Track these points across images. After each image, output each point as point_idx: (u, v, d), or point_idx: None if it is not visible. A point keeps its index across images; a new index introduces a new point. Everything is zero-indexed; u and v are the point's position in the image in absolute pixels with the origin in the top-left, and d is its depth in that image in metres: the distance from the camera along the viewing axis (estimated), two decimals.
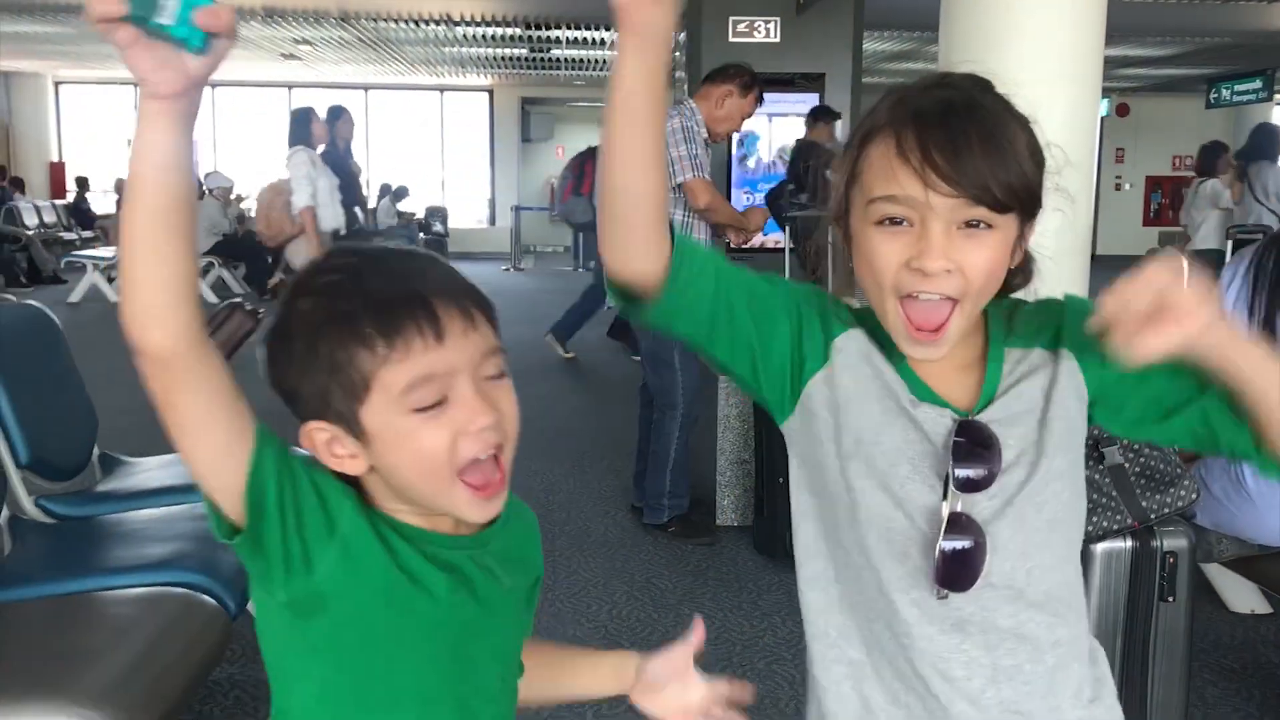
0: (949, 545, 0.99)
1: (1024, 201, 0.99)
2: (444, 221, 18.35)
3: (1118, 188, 18.51)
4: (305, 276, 0.98)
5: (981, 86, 1.03)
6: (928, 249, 0.98)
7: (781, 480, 3.76)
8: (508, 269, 17.88)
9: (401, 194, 17.53)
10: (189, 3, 0.79)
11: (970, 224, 0.98)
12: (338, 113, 6.48)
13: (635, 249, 1.01)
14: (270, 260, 12.90)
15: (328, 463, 0.96)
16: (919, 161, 0.96)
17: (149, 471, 3.11)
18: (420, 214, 18.04)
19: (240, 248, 12.76)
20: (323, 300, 0.94)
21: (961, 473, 1.00)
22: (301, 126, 6.24)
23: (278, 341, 0.96)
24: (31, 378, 2.82)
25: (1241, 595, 3.36)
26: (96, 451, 3.13)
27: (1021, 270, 1.08)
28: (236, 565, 2.45)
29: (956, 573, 1.00)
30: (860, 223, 1.03)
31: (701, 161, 4.06)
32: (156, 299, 0.83)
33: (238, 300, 7.91)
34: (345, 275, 0.95)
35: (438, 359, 0.92)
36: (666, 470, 4.09)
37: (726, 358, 1.07)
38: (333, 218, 6.26)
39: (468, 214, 20.32)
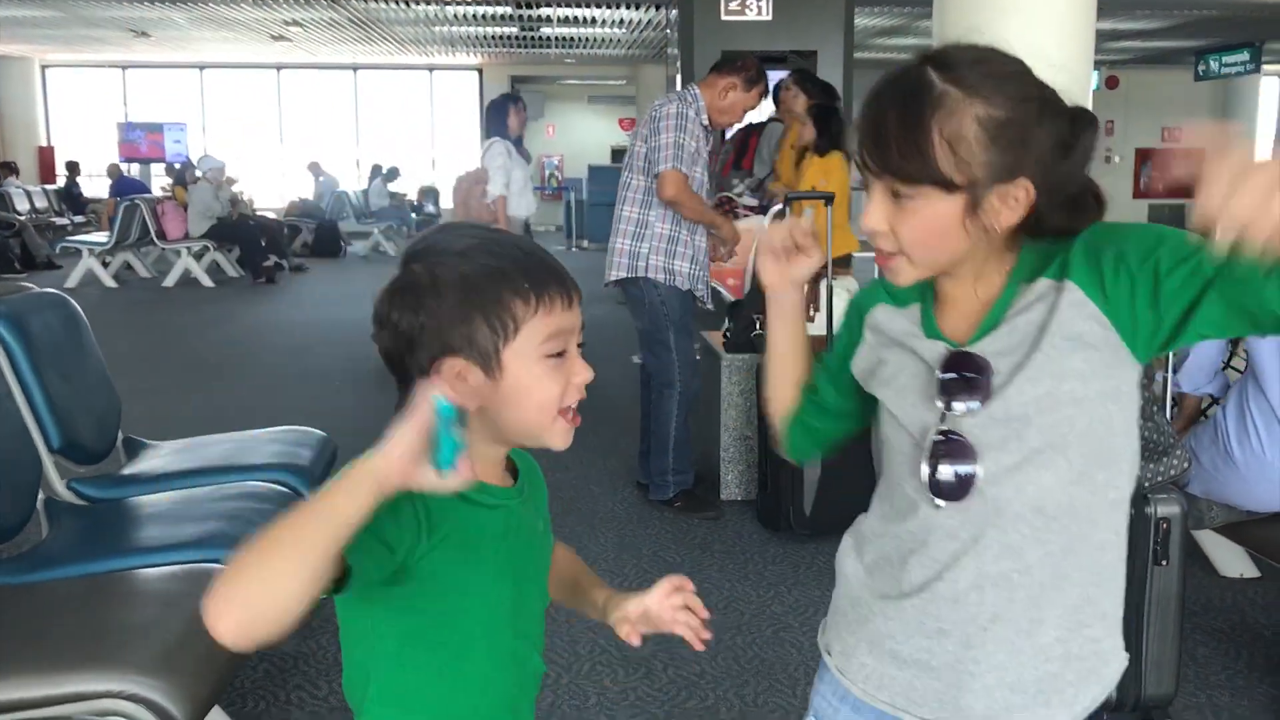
0: (937, 462, 1.14)
1: (937, 180, 1.08)
2: (436, 201, 18.31)
3: (1107, 160, 18.59)
4: (431, 243, 1.13)
5: (962, 62, 1.10)
6: (865, 213, 1.15)
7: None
8: None
9: (393, 175, 17.55)
10: (458, 447, 0.93)
11: (896, 194, 1.11)
12: (513, 100, 6.67)
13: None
14: (264, 244, 12.96)
15: (449, 390, 1.00)
16: (856, 144, 1.14)
17: (171, 454, 3.20)
18: (412, 195, 18.04)
19: (234, 231, 12.77)
20: (473, 260, 1.10)
21: (949, 397, 1.14)
22: (499, 117, 6.44)
23: (416, 294, 1.09)
24: (58, 363, 2.90)
25: (1231, 560, 3.48)
26: (120, 435, 3.22)
27: (1044, 221, 1.13)
28: None
29: (948, 485, 1.14)
30: None
31: (689, 153, 4.09)
32: (269, 614, 0.89)
33: None
34: (480, 242, 1.12)
35: (566, 320, 1.13)
36: (669, 448, 4.19)
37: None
38: (524, 206, 6.51)
39: None
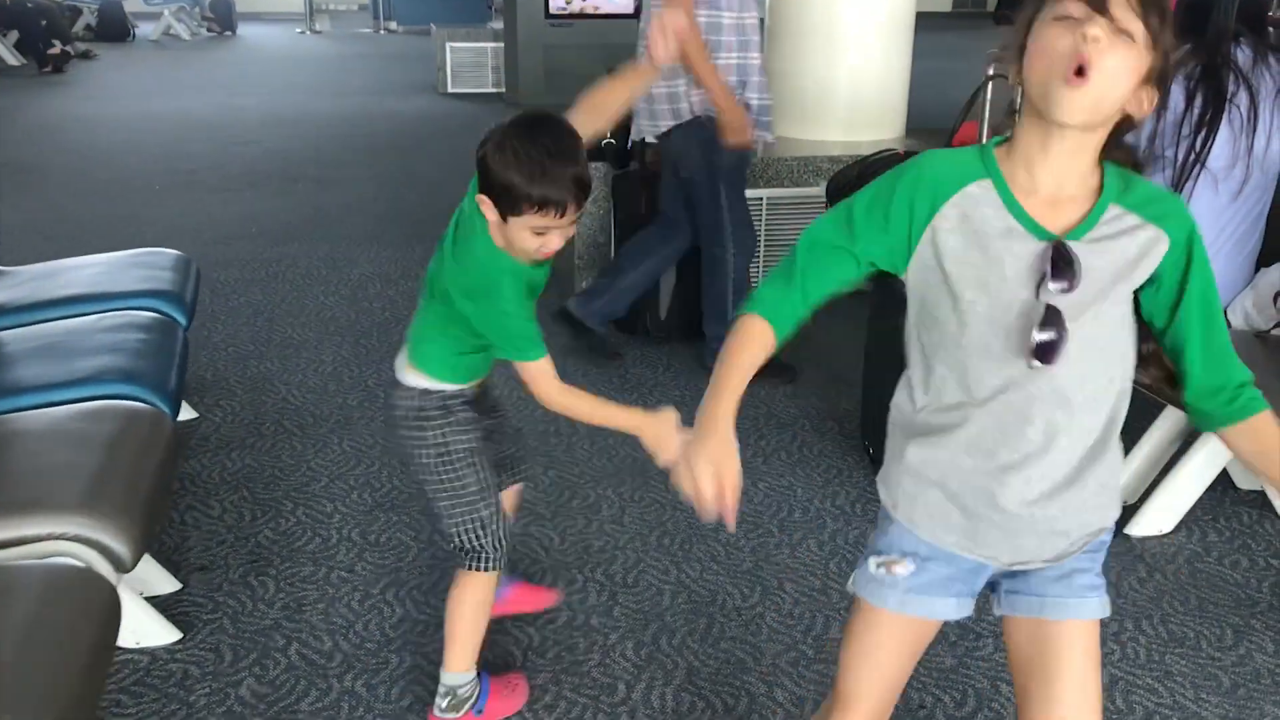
0: (1042, 332, 1.28)
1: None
2: None
3: None
4: (504, 135, 1.77)
5: None
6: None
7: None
8: (302, 31, 16.97)
9: None
10: None
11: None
12: None
13: None
14: (44, 26, 11.92)
15: (486, 214, 1.80)
16: None
17: (32, 282, 3.10)
18: None
19: (8, 14, 11.71)
20: (519, 168, 1.73)
21: (1054, 282, 1.28)
22: None
23: (491, 153, 1.76)
24: None
25: None
26: None
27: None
28: (161, 370, 2.57)
29: (1045, 350, 1.29)
30: None
31: None
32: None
33: None
34: (535, 158, 1.73)
35: (551, 222, 1.77)
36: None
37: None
38: None
39: None
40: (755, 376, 1.39)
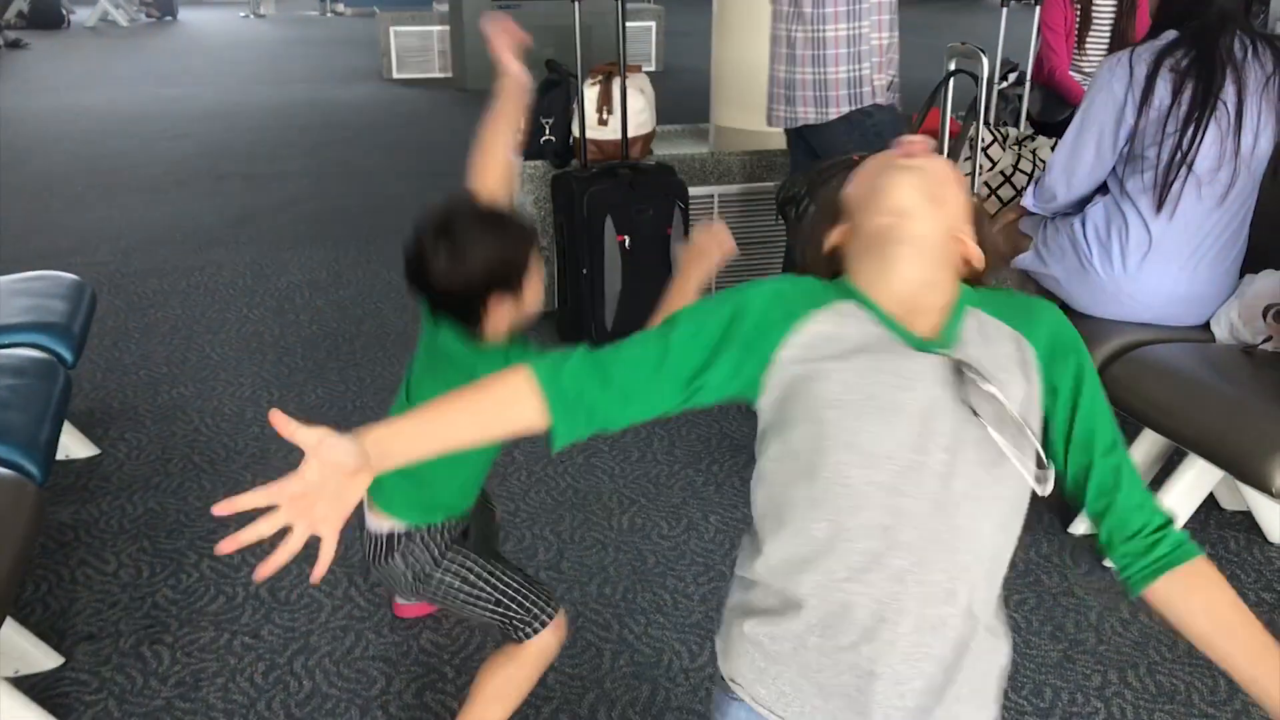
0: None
1: None
2: None
3: None
4: (453, 229, 1.71)
5: None
6: None
7: (585, 271, 3.76)
8: (246, 16, 16.50)
9: None
10: None
11: None
12: None
13: None
14: None
15: (500, 317, 1.77)
16: None
17: None
18: None
19: None
20: (493, 230, 1.73)
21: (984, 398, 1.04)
22: None
23: (471, 253, 1.70)
24: None
25: None
26: None
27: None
28: (32, 423, 2.28)
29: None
30: None
31: None
32: None
33: None
34: (474, 219, 1.74)
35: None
36: None
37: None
38: None
39: None
40: None
